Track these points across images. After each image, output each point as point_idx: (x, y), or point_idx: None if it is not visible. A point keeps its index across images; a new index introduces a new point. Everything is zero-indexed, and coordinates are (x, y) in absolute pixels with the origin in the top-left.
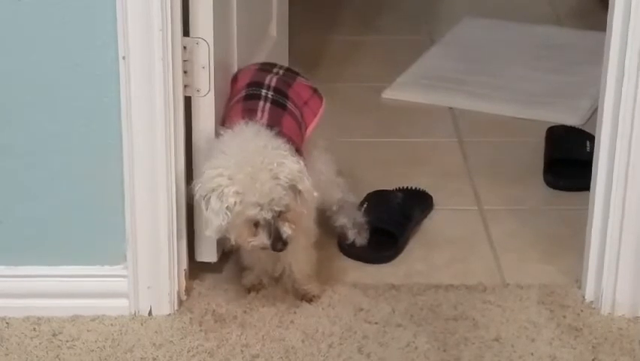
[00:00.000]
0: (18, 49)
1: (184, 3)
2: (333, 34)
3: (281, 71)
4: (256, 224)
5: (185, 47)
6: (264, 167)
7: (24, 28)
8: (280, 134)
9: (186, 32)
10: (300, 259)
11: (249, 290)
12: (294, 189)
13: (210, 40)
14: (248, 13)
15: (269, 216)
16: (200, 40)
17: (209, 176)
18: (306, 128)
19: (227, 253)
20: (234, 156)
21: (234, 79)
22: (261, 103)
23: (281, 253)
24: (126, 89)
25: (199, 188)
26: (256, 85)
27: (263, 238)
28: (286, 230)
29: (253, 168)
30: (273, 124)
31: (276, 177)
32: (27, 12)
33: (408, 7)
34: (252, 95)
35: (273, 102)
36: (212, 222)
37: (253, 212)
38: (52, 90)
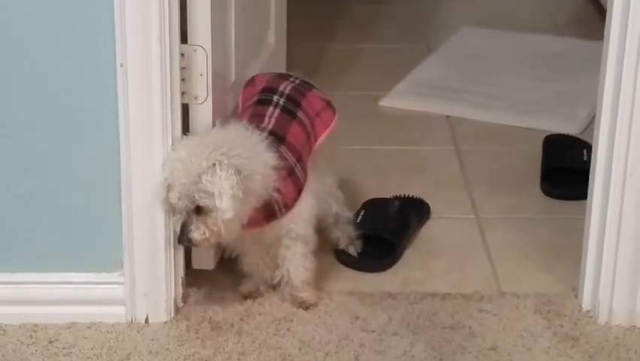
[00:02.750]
0: (16, 56)
1: (182, 10)
2: (331, 43)
3: (297, 81)
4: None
5: (182, 55)
6: (196, 161)
7: (22, 36)
8: (283, 141)
9: (184, 40)
10: (298, 266)
11: (245, 297)
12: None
13: (208, 47)
14: (246, 21)
15: (181, 205)
16: (198, 47)
17: (172, 148)
18: (316, 140)
19: (225, 260)
20: (189, 141)
21: (251, 82)
22: (271, 109)
23: (279, 260)
24: (124, 96)
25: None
26: (270, 91)
27: (176, 225)
28: (194, 230)
29: (187, 156)
30: (279, 131)
31: (199, 176)
32: (25, 19)
33: (405, 16)
34: (263, 101)
35: (283, 109)
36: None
37: (172, 195)
38: (50, 97)
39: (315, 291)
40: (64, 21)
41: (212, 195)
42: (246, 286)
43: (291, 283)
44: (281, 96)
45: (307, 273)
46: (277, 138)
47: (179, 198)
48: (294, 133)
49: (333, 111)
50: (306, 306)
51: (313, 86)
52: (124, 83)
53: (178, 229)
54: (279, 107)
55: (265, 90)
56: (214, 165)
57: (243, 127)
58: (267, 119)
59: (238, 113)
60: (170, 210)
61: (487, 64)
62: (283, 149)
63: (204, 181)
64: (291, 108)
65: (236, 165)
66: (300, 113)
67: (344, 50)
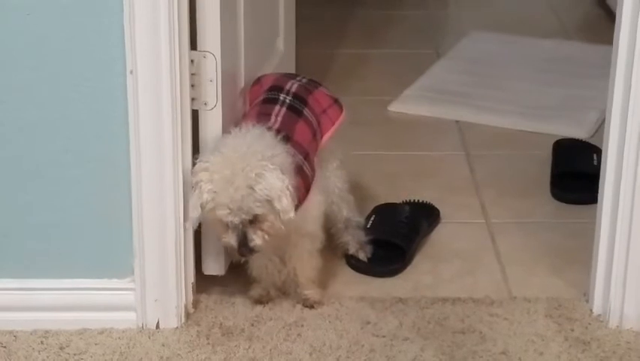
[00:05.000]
0: (26, 63)
1: (191, 17)
2: (340, 48)
3: (304, 80)
4: (228, 225)
5: (192, 61)
6: (243, 174)
7: (32, 43)
8: (290, 140)
9: (194, 46)
10: (304, 263)
11: (256, 302)
12: (271, 203)
13: (218, 53)
14: (255, 27)
15: (237, 220)
16: (207, 53)
17: (197, 168)
18: (322, 137)
19: (235, 265)
20: (222, 155)
21: (257, 82)
22: (277, 107)
23: (286, 258)
24: (134, 103)
25: (191, 177)
26: (276, 89)
27: (232, 240)
28: (255, 238)
29: (232, 172)
30: (285, 130)
31: (251, 188)
32: (35, 26)
33: (414, 21)
34: (269, 100)
35: (290, 108)
36: (189, 213)
37: (222, 213)
38: (60, 104)
39: (321, 289)
40: (73, 28)
41: (270, 201)
42: (255, 291)
43: (296, 280)
44: (287, 94)
45: (313, 271)
46: (284, 136)
47: (231, 214)
48: (301, 131)
49: (340, 108)
50: (309, 304)
51: (320, 85)
52: (134, 90)
53: (234, 242)
54: (285, 105)
55: (272, 89)
56: (263, 172)
57: (259, 129)
58: (273, 118)
59: (245, 112)
60: (218, 225)
61: (497, 68)
62: (290, 147)
63: (258, 191)
64: (297, 106)
65: (279, 166)
66: (306, 111)
67: (353, 56)
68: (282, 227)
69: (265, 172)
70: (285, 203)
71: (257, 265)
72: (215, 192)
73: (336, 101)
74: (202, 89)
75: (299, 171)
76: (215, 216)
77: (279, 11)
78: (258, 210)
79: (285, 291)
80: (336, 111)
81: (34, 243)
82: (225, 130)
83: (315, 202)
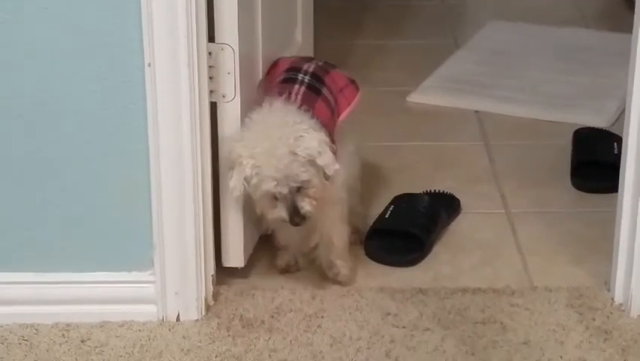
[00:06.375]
0: (44, 57)
1: (209, 9)
2: (358, 39)
3: (320, 62)
4: (276, 197)
5: (210, 53)
6: (281, 142)
7: (49, 37)
8: (311, 116)
9: (211, 38)
10: (337, 228)
11: (283, 271)
12: (314, 165)
13: (235, 45)
14: (273, 18)
15: (285, 190)
16: (225, 46)
17: (232, 148)
18: (339, 116)
19: (263, 237)
20: (256, 130)
21: (274, 65)
22: (296, 86)
23: (317, 223)
24: (152, 96)
25: (224, 158)
26: (294, 70)
27: (281, 212)
28: (305, 205)
29: (271, 142)
30: (305, 107)
31: (294, 153)
32: (53, 20)
33: (432, 12)
34: (288, 79)
35: (308, 87)
36: (232, 192)
37: (269, 186)
38: (79, 98)
39: (350, 262)
40: (91, 22)
41: (312, 161)
42: (282, 259)
43: (328, 245)
44: (305, 74)
45: (342, 239)
46: (306, 110)
47: (279, 185)
48: (320, 109)
49: (357, 88)
50: (339, 280)
51: (335, 67)
52: (152, 83)
53: (284, 213)
54: (304, 84)
55: (290, 70)
56: (300, 135)
57: (282, 103)
58: (293, 96)
59: (264, 92)
60: (265, 200)
61: (515, 58)
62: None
63: (300, 153)
64: (316, 85)
65: (312, 126)
66: (324, 90)
67: (371, 47)
68: (328, 185)
69: (303, 134)
70: (327, 157)
71: (283, 232)
72: (257, 166)
73: (352, 81)
74: (220, 81)
75: None
76: (261, 191)
77: (296, 2)
78: (304, 176)
79: (314, 260)
80: (353, 91)
81: (54, 236)
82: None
83: (340, 170)
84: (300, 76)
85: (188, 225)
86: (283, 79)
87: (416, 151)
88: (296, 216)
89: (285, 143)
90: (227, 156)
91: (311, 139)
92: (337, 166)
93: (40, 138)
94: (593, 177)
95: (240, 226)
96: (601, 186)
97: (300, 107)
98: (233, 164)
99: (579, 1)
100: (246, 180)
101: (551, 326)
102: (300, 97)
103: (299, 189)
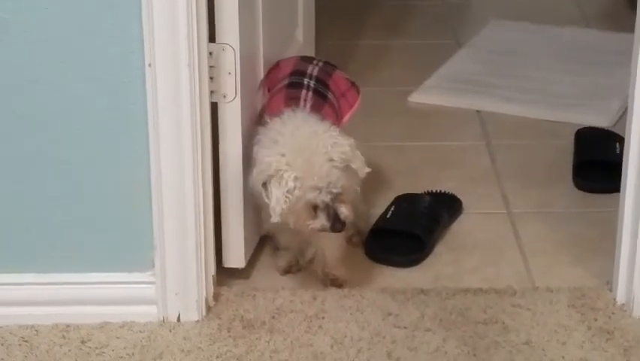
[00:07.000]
0: (44, 57)
1: (210, 9)
2: (360, 39)
3: (320, 63)
4: (315, 207)
5: (211, 53)
6: (319, 150)
7: (50, 37)
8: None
9: (212, 38)
10: (331, 242)
11: (285, 272)
12: (347, 169)
13: (236, 46)
14: (274, 18)
15: (327, 198)
16: (226, 46)
17: (267, 163)
18: (341, 119)
19: (263, 237)
20: (289, 142)
21: (276, 66)
22: (304, 92)
23: (312, 237)
24: (153, 96)
25: (257, 175)
26: (299, 74)
27: (322, 221)
28: (344, 211)
29: (310, 152)
30: (315, 112)
31: (331, 160)
32: (53, 20)
33: (434, 11)
34: (295, 84)
35: (315, 92)
36: (274, 208)
37: (312, 195)
38: (79, 98)
39: (347, 269)
40: (92, 22)
41: (346, 166)
42: (284, 259)
43: (324, 260)
44: (310, 79)
45: (339, 250)
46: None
47: (322, 193)
48: (327, 114)
49: (357, 92)
50: (338, 284)
51: (336, 67)
52: (152, 83)
53: (326, 221)
54: (311, 89)
55: (294, 73)
56: (334, 141)
57: (301, 112)
58: (302, 102)
59: (266, 97)
60: (304, 211)
61: (517, 57)
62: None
63: (337, 159)
64: (321, 90)
65: (339, 132)
66: (329, 95)
67: (372, 46)
68: (357, 188)
69: (336, 140)
70: (359, 161)
71: (284, 235)
72: (299, 177)
73: (353, 84)
74: (221, 81)
75: None
76: (303, 202)
77: (297, 2)
78: (343, 180)
79: (313, 267)
80: (354, 95)
81: (54, 237)
82: (244, 122)
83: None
84: (306, 80)
85: (189, 225)
86: (289, 83)
87: (417, 151)
88: (337, 223)
89: (322, 151)
90: (263, 174)
91: (343, 144)
92: (369, 169)
93: (41, 139)
94: (595, 177)
95: (240, 227)
96: (603, 186)
97: (310, 113)
98: (270, 179)
99: (581, 1)
100: (289, 192)
101: (553, 326)
102: (310, 103)
103: (336, 196)
